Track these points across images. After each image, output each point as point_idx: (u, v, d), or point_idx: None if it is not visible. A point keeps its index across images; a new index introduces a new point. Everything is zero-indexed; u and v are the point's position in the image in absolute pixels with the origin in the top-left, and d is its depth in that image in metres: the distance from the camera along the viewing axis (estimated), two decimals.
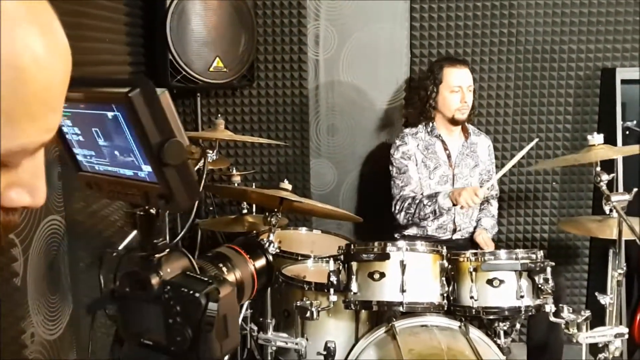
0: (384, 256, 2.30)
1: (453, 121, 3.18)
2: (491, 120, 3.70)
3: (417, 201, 3.09)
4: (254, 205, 3.17)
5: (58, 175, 2.42)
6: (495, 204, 3.41)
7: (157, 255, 1.03)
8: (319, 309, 2.41)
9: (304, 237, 3.37)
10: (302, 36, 3.67)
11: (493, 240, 3.28)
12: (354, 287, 2.35)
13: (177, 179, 0.91)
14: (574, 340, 2.33)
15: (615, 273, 2.30)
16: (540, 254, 2.36)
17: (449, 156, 3.23)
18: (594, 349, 2.51)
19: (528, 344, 3.21)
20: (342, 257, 2.40)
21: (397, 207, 3.18)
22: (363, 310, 2.67)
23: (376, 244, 2.36)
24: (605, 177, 2.26)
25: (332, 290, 2.40)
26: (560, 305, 2.33)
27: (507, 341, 2.70)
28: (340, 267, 2.42)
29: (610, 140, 3.33)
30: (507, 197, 3.76)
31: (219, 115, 3.27)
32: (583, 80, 3.63)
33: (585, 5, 3.54)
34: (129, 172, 0.96)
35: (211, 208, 3.54)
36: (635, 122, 3.60)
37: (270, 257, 1.26)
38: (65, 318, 2.50)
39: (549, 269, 2.29)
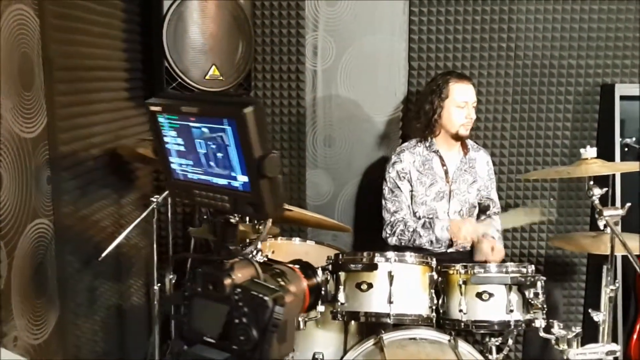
0: (371, 266, 2.27)
1: (456, 137, 3.15)
2: (489, 135, 3.68)
3: (412, 230, 3.05)
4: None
5: (47, 179, 2.41)
6: (497, 219, 3.35)
7: (230, 261, 1.16)
8: (306, 318, 2.39)
9: (297, 247, 3.33)
10: (300, 47, 3.66)
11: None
12: (341, 297, 2.33)
13: (268, 190, 1.07)
14: (565, 357, 2.29)
15: (608, 289, 2.26)
16: (531, 268, 2.33)
17: (446, 172, 3.19)
18: None
19: (523, 358, 3.18)
20: (330, 267, 2.38)
21: (388, 232, 3.14)
22: (352, 322, 2.64)
23: (365, 254, 2.34)
24: (597, 192, 2.24)
25: (319, 301, 2.37)
26: (551, 320, 2.29)
27: (499, 357, 2.67)
28: (329, 277, 2.39)
29: (608, 156, 3.33)
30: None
31: None
32: (582, 95, 3.61)
33: (586, 21, 3.53)
34: (222, 182, 1.10)
35: (205, 217, 3.52)
36: (634, 139, 3.58)
37: (322, 278, 1.39)
38: (52, 323, 2.48)
39: (539, 284, 2.26)
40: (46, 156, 2.41)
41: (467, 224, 2.98)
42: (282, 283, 1.18)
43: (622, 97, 3.44)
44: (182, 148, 1.11)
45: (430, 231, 3.01)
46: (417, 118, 3.27)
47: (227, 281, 1.08)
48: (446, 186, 3.17)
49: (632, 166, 2.31)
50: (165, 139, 1.12)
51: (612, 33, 3.54)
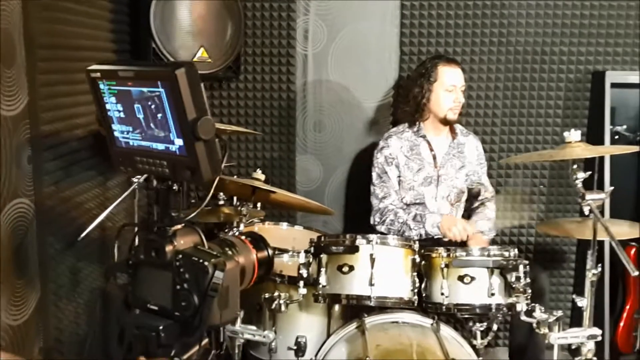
0: (352, 249, 2.26)
1: (444, 121, 3.14)
2: (479, 121, 3.66)
3: (402, 221, 3.03)
4: (234, 199, 3.14)
5: (28, 158, 2.39)
6: (491, 206, 3.32)
7: (173, 228, 1.15)
8: (287, 301, 2.38)
9: (284, 232, 3.33)
10: (291, 30, 3.63)
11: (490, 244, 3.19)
12: (322, 280, 2.32)
13: (204, 153, 1.06)
14: (547, 341, 2.28)
15: (590, 273, 2.25)
16: (514, 252, 2.31)
17: (434, 157, 3.17)
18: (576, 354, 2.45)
19: (510, 346, 3.18)
20: (312, 249, 2.36)
21: (377, 219, 3.12)
22: (336, 306, 2.64)
23: (347, 236, 2.33)
24: (581, 175, 2.22)
25: (301, 283, 2.36)
26: (532, 304, 2.28)
27: (483, 342, 2.66)
28: (311, 260, 2.38)
29: (598, 143, 3.31)
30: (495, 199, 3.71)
31: None
32: (573, 82, 3.58)
33: (578, 7, 3.51)
34: (160, 147, 1.10)
35: (192, 201, 3.50)
36: (625, 127, 3.56)
37: (272, 252, 1.34)
38: (32, 304, 2.46)
39: (521, 267, 2.24)
40: (27, 135, 2.38)
41: (458, 224, 2.93)
42: (230, 253, 1.17)
43: (613, 85, 3.42)
44: (122, 114, 1.13)
45: (420, 224, 2.99)
46: (406, 102, 3.25)
47: (169, 247, 1.09)
48: (434, 171, 3.15)
49: (614, 149, 2.29)
50: (107, 107, 1.14)
51: (604, 20, 3.51)
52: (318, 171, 3.82)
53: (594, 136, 3.45)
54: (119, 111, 1.12)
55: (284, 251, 2.92)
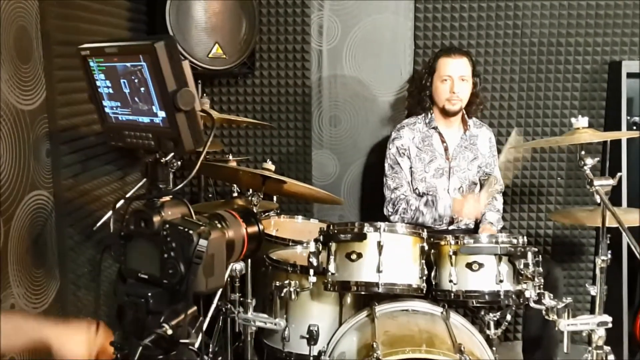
0: (360, 236, 2.28)
1: (444, 112, 3.15)
2: (495, 114, 3.65)
3: (414, 208, 3.05)
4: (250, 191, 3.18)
5: (46, 152, 2.46)
6: (500, 198, 3.34)
7: (161, 199, 1.19)
8: (297, 289, 2.41)
9: (299, 226, 3.37)
10: (305, 26, 3.67)
11: None
12: (332, 267, 2.35)
13: (185, 124, 1.09)
14: (556, 328, 2.28)
15: (599, 260, 2.24)
16: (523, 239, 2.31)
17: (446, 149, 3.18)
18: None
19: (523, 338, 3.17)
20: (321, 237, 2.39)
21: (390, 209, 3.15)
22: (348, 296, 2.66)
23: (355, 224, 2.35)
24: (589, 161, 2.22)
25: (311, 271, 2.39)
26: (541, 292, 2.28)
27: (497, 332, 2.66)
28: (321, 249, 2.41)
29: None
30: (511, 192, 3.70)
31: (204, 95, 3.27)
32: (590, 73, 3.56)
33: None
34: (146, 120, 1.14)
35: (210, 195, 3.57)
36: None
37: (262, 227, 1.36)
38: (52, 293, 2.53)
39: (530, 254, 2.24)
40: (45, 129, 2.46)
41: (470, 201, 2.96)
42: (220, 226, 1.21)
43: (629, 75, 3.38)
44: (111, 90, 1.18)
45: (432, 209, 3.01)
46: (412, 94, 3.29)
47: (157, 218, 1.14)
48: (446, 163, 3.16)
49: (621, 134, 2.28)
50: (97, 84, 1.20)
51: (620, 10, 3.48)
52: (334, 165, 3.85)
53: (611, 126, 3.42)
54: (108, 87, 1.18)
55: (298, 243, 2.96)
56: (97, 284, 1.12)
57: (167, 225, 1.10)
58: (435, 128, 3.18)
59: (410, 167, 3.16)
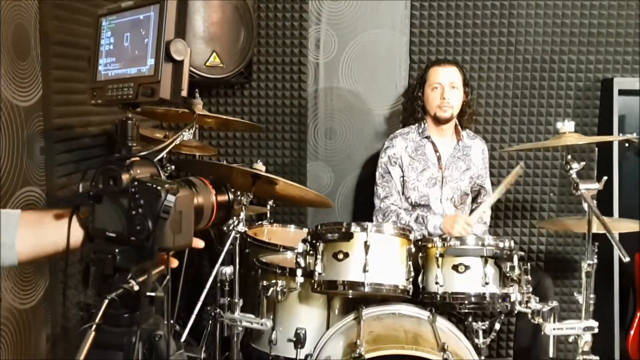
0: (347, 235, 2.30)
1: (436, 119, 3.19)
2: (489, 128, 3.68)
3: (404, 222, 3.06)
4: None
5: (40, 149, 2.49)
6: (488, 211, 3.35)
7: (131, 159, 1.19)
8: (284, 289, 2.42)
9: (291, 234, 3.37)
10: (302, 39, 3.73)
11: None
12: (319, 268, 2.35)
13: (169, 73, 1.10)
14: (542, 332, 2.28)
15: (585, 264, 2.25)
16: (509, 243, 2.32)
17: (439, 158, 3.21)
18: None
19: (514, 350, 3.16)
20: (309, 237, 2.41)
21: (380, 219, 3.17)
22: (336, 300, 2.66)
23: (344, 223, 2.36)
24: (575, 166, 2.24)
25: (299, 272, 2.40)
26: (528, 295, 2.28)
27: (486, 341, 2.66)
28: (309, 250, 2.42)
29: (607, 150, 3.32)
30: (504, 206, 3.72)
31: (197, 96, 3.29)
32: (582, 90, 3.60)
33: (586, 16, 3.54)
34: (133, 70, 1.15)
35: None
36: (635, 134, 3.55)
37: (232, 197, 1.36)
38: (41, 290, 2.54)
39: (516, 257, 2.25)
40: (40, 126, 2.49)
41: (460, 222, 2.95)
42: (190, 190, 1.22)
43: (621, 92, 3.43)
44: (111, 47, 1.21)
45: (422, 227, 3.02)
46: (405, 108, 3.35)
47: (125, 176, 1.14)
48: (439, 172, 3.18)
49: (605, 138, 2.31)
50: (101, 42, 1.23)
51: (613, 28, 3.54)
52: (328, 177, 3.87)
53: (603, 142, 3.45)
54: (110, 44, 1.21)
55: (288, 249, 2.97)
56: (67, 247, 1.10)
57: (136, 183, 1.11)
58: (428, 137, 3.22)
59: (402, 177, 3.19)
